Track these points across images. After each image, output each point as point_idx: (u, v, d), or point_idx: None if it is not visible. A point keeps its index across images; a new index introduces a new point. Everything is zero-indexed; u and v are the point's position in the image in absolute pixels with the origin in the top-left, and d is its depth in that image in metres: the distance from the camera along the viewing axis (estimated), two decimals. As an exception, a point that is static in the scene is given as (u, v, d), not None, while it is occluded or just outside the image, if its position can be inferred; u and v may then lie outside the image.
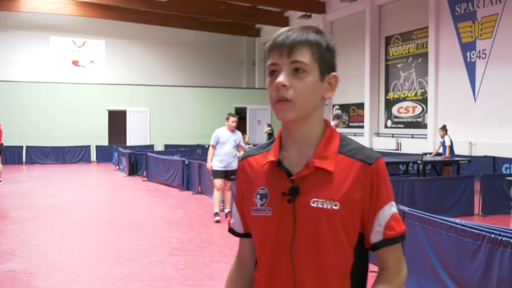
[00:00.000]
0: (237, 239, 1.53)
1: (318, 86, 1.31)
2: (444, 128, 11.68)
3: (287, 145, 1.36)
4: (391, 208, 1.32)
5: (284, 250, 1.31)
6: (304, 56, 1.28)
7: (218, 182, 7.94)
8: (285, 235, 1.30)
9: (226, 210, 8.23)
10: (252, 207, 1.37)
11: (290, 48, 1.27)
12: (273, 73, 1.30)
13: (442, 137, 11.62)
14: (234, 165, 7.83)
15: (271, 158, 1.35)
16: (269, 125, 19.89)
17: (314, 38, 1.30)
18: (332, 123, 11.16)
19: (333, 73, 1.34)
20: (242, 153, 7.82)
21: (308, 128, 1.33)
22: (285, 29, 1.33)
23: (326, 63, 1.32)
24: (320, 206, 1.28)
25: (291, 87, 1.27)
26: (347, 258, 1.31)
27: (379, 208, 1.30)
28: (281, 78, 1.26)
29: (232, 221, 1.52)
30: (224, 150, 7.85)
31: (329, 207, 1.27)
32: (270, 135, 19.35)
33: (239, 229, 1.49)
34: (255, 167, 1.41)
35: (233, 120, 7.94)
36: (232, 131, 7.96)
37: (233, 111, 23.86)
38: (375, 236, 1.31)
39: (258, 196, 1.36)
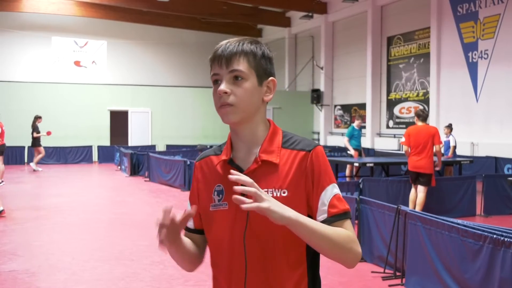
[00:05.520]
0: None
1: (257, 90, 1.45)
2: (449, 127, 11.64)
3: (237, 145, 1.51)
4: (333, 189, 1.45)
5: (238, 239, 1.42)
6: (241, 65, 1.42)
7: None
8: (240, 225, 1.43)
9: None
10: (211, 203, 1.50)
11: (227, 59, 1.42)
12: (216, 82, 1.45)
13: (447, 135, 11.58)
14: None
15: (224, 157, 1.51)
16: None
17: (249, 48, 1.44)
18: (356, 123, 12.19)
19: (271, 78, 1.48)
20: None
21: (253, 129, 1.48)
22: (223, 42, 1.47)
23: (263, 69, 1.46)
24: (271, 194, 1.39)
25: (232, 93, 1.41)
26: (299, 239, 1.38)
27: (321, 189, 1.43)
28: (222, 87, 1.41)
29: None
30: None
31: (278, 195, 1.41)
32: None
33: (190, 224, 1.58)
34: (211, 167, 1.55)
35: None
36: None
37: (234, 112, 23.91)
38: (320, 215, 1.42)
39: (216, 193, 1.50)
